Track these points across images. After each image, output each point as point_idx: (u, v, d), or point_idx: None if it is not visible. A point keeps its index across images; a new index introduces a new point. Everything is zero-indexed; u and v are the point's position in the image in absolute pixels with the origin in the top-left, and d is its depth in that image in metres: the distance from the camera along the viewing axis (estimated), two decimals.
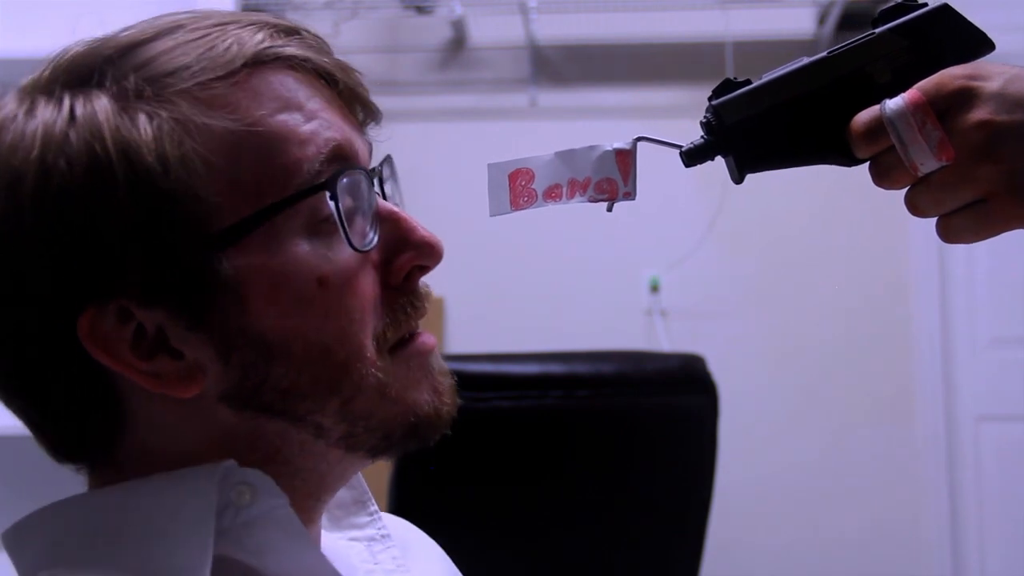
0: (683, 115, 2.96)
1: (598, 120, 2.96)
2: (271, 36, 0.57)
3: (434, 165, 2.78)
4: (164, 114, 0.53)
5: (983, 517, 2.89)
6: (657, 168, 3.28)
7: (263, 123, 0.55)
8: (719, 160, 0.69)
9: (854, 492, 2.84)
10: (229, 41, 0.55)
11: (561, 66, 3.00)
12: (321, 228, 0.56)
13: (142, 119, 0.52)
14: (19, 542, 0.59)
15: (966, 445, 2.90)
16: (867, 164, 0.67)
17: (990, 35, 0.66)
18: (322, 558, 0.57)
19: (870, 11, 2.87)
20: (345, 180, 0.56)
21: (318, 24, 2.91)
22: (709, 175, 3.33)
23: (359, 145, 0.60)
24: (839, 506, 2.84)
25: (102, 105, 0.53)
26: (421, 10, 2.89)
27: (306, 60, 0.58)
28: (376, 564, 0.68)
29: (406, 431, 0.59)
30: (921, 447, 2.86)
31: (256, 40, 0.56)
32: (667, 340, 2.86)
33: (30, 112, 0.54)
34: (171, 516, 0.54)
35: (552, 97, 2.96)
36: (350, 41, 2.91)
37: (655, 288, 2.89)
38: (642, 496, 1.67)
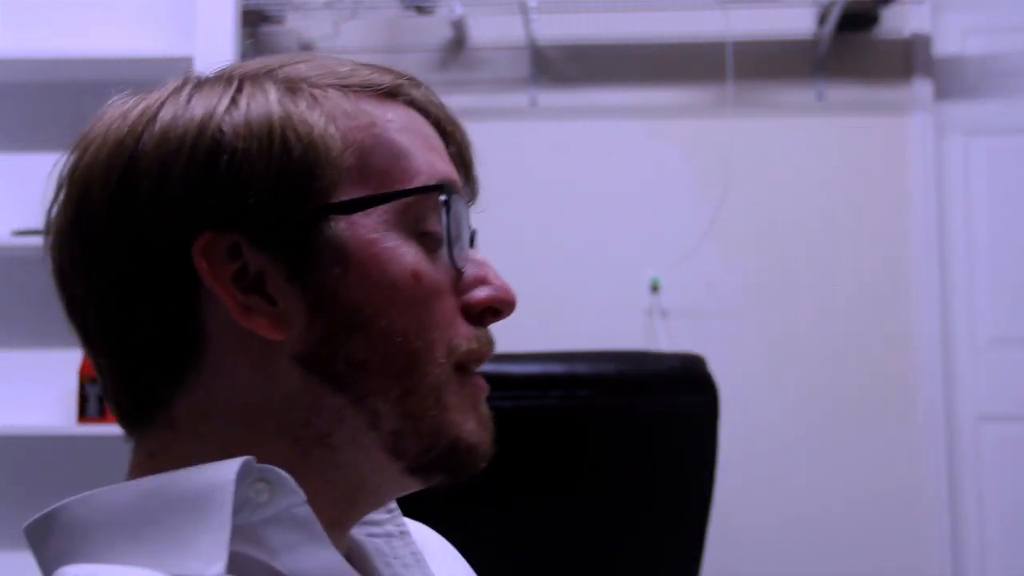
0: (683, 115, 2.98)
1: (598, 120, 2.96)
2: (404, 79, 0.65)
3: None
4: (318, 99, 0.61)
5: (983, 517, 2.89)
6: (657, 168, 3.28)
7: (395, 135, 0.62)
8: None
9: (854, 492, 2.84)
10: (370, 71, 0.64)
11: (561, 66, 3.00)
12: (425, 238, 0.61)
13: (301, 100, 0.60)
14: (41, 536, 0.60)
15: (966, 445, 2.91)
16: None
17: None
18: (338, 557, 0.57)
19: (870, 11, 2.88)
20: (455, 202, 0.62)
21: (318, 24, 2.92)
22: (709, 175, 3.34)
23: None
24: (839, 506, 2.84)
25: (270, 86, 0.61)
26: (421, 10, 2.89)
27: (432, 107, 0.66)
28: (395, 559, 0.69)
29: (447, 449, 0.61)
30: (921, 447, 2.86)
31: (390, 77, 0.64)
32: (667, 340, 2.86)
33: (200, 86, 0.62)
34: (189, 512, 0.55)
35: (552, 97, 2.96)
36: (350, 41, 2.91)
37: (655, 288, 2.89)
38: (642, 496, 1.67)
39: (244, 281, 0.58)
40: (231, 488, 0.55)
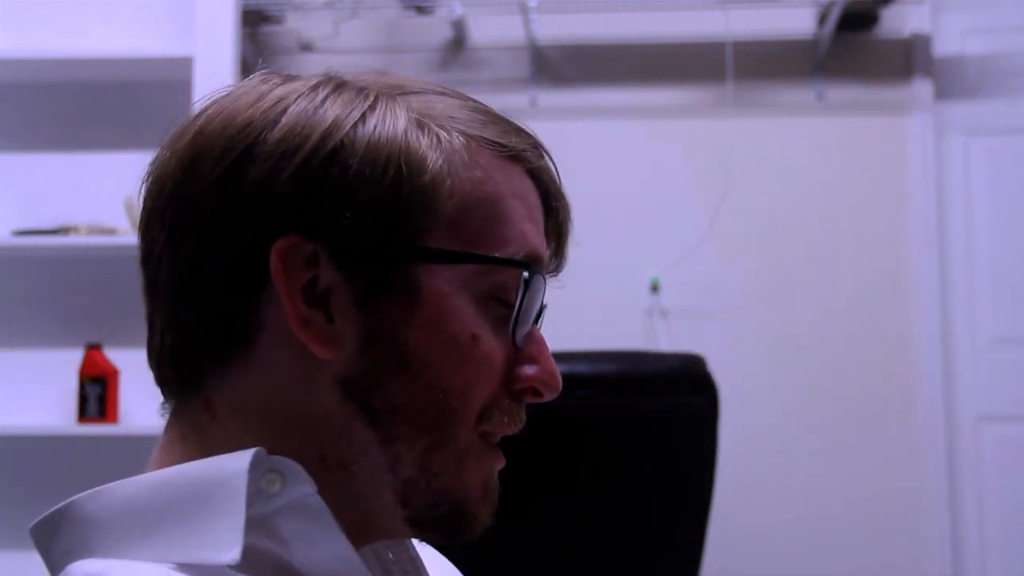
0: (683, 115, 2.98)
1: (598, 120, 2.96)
2: (528, 147, 0.66)
3: None
4: (442, 141, 0.61)
5: (983, 517, 2.89)
6: (657, 168, 3.28)
7: (504, 198, 0.63)
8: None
9: (854, 492, 2.84)
10: (498, 129, 0.65)
11: (561, 66, 3.00)
12: (496, 305, 0.62)
13: (425, 137, 0.61)
14: (48, 535, 0.60)
15: (966, 445, 2.91)
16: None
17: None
18: (349, 547, 0.58)
19: (870, 11, 2.88)
20: (536, 281, 0.63)
21: (318, 24, 2.92)
22: (709, 175, 3.34)
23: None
24: (839, 505, 2.84)
25: (401, 110, 0.62)
26: (421, 10, 2.89)
27: (545, 177, 0.67)
28: (394, 564, 0.69)
29: (450, 509, 0.62)
30: (921, 447, 2.86)
31: (517, 140, 0.65)
32: (667, 340, 2.86)
33: (338, 91, 0.62)
34: (203, 505, 0.56)
35: (552, 97, 2.96)
36: (350, 41, 2.91)
37: (655, 288, 2.89)
38: (642, 496, 1.67)
39: (312, 293, 0.59)
40: (244, 477, 0.56)
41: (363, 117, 0.60)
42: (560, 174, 0.68)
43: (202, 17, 2.56)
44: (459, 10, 2.85)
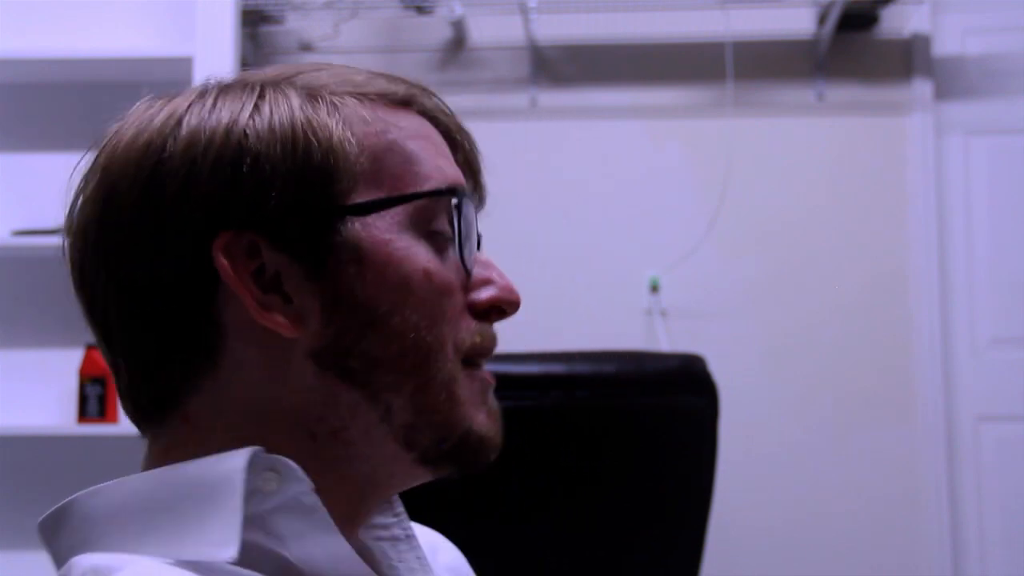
0: (683, 115, 2.98)
1: (598, 120, 2.96)
2: (416, 89, 0.68)
3: None
4: (337, 105, 0.63)
5: (983, 517, 2.89)
6: (657, 168, 3.28)
7: (408, 141, 0.65)
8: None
9: (854, 491, 2.84)
10: (385, 80, 0.67)
11: (561, 66, 3.00)
12: (435, 238, 0.64)
13: (321, 107, 0.63)
14: (54, 531, 0.61)
15: (966, 445, 2.91)
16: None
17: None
18: (344, 544, 0.58)
19: (870, 11, 2.88)
20: (465, 206, 0.65)
21: (318, 24, 2.92)
22: (709, 175, 3.33)
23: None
24: (839, 505, 2.84)
25: (292, 92, 0.64)
26: (421, 10, 2.89)
27: (442, 115, 0.68)
28: (400, 562, 0.69)
29: (458, 442, 0.63)
30: (921, 447, 2.86)
31: (404, 87, 0.67)
32: (667, 340, 2.86)
33: (224, 92, 0.64)
34: (201, 500, 0.57)
35: (552, 97, 2.96)
36: (350, 41, 2.92)
37: (655, 288, 2.89)
38: (642, 496, 1.67)
39: (262, 280, 0.60)
40: (242, 476, 0.57)
41: (256, 107, 0.62)
42: (451, 109, 0.70)
43: (202, 17, 2.56)
44: (459, 10, 2.85)
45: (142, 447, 0.65)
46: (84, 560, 0.57)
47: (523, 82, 2.97)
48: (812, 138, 2.95)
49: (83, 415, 2.57)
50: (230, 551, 0.55)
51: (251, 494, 0.57)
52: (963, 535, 2.88)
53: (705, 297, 2.90)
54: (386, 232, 0.62)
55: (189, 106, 0.63)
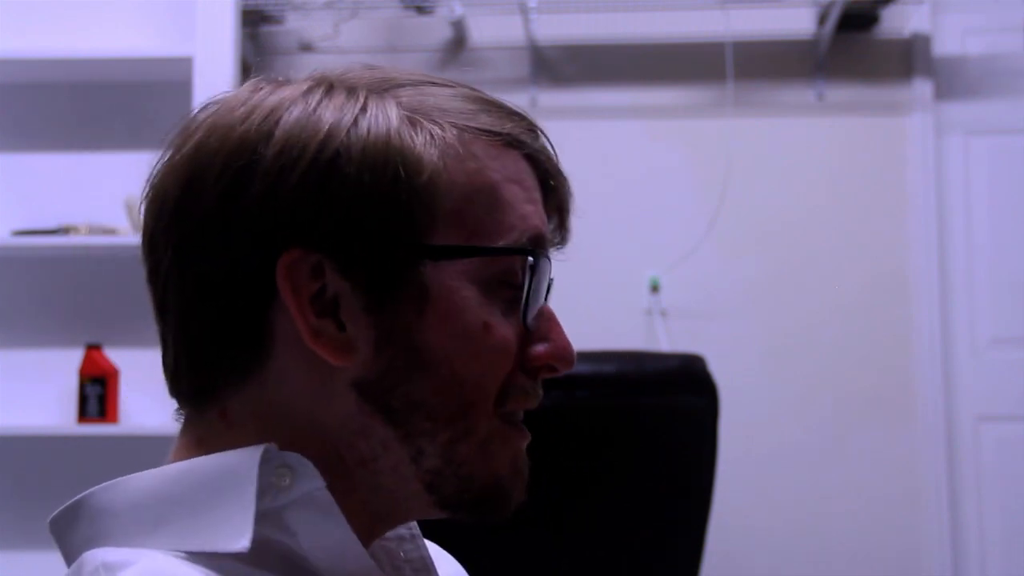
0: (683, 115, 2.98)
1: (598, 120, 2.96)
2: (523, 130, 0.66)
3: None
4: (435, 137, 0.61)
5: (983, 517, 2.89)
6: (657, 168, 3.28)
7: (501, 185, 0.63)
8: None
9: (854, 491, 2.84)
10: (491, 116, 0.65)
11: (561, 66, 3.00)
12: (504, 290, 0.63)
13: (419, 134, 0.61)
14: (66, 527, 0.61)
15: (966, 445, 2.91)
16: None
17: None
18: (355, 541, 0.59)
19: (870, 11, 2.88)
20: (542, 263, 0.64)
21: (318, 24, 2.92)
22: (709, 175, 3.33)
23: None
24: (839, 505, 2.84)
25: (392, 109, 0.62)
26: (421, 10, 2.89)
27: (542, 157, 0.67)
28: (405, 562, 0.70)
29: (482, 493, 0.63)
30: (921, 447, 2.86)
31: (511, 125, 0.65)
32: (667, 340, 2.86)
33: (328, 95, 0.62)
34: (214, 497, 0.57)
35: (552, 97, 2.96)
36: (350, 41, 2.91)
37: (655, 288, 2.89)
38: (642, 496, 1.67)
39: (321, 301, 0.60)
40: (255, 471, 0.57)
41: (355, 121, 0.60)
42: (556, 151, 0.68)
43: (202, 17, 2.56)
44: (459, 10, 2.85)
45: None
46: (96, 555, 0.57)
47: (523, 82, 2.97)
48: (812, 138, 2.95)
49: (83, 415, 2.57)
50: (241, 543, 0.55)
51: (265, 490, 0.57)
52: (963, 535, 2.88)
53: (705, 297, 2.90)
54: (455, 279, 0.61)
55: (291, 104, 0.61)
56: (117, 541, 0.58)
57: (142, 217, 0.63)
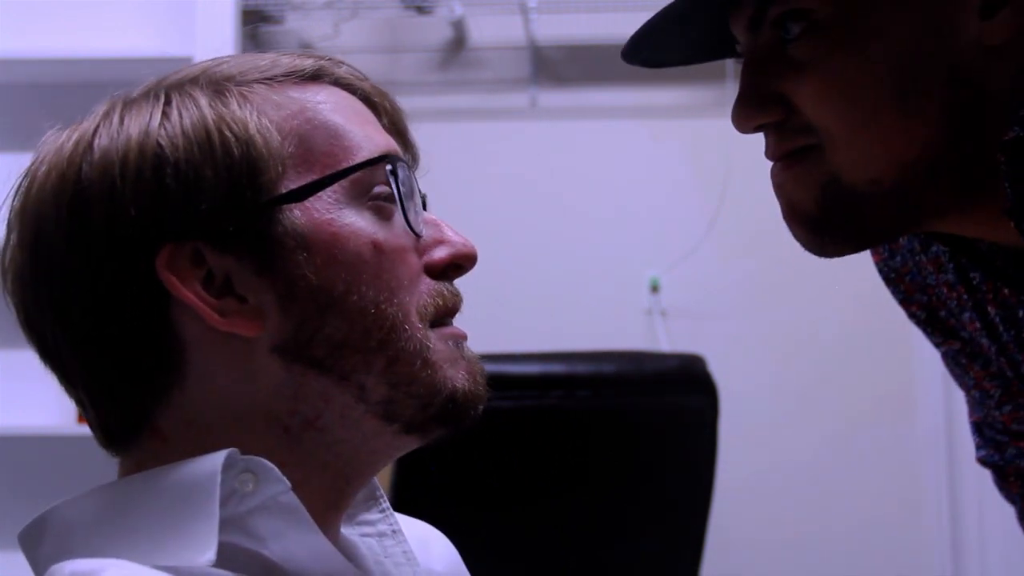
0: (683, 115, 2.97)
1: (598, 120, 2.96)
2: (324, 61, 0.66)
3: (434, 165, 2.78)
4: (246, 95, 0.62)
5: (983, 517, 2.89)
6: (657, 168, 3.28)
7: (328, 115, 0.63)
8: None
9: (854, 491, 2.84)
10: (290, 59, 0.66)
11: (561, 66, 3.00)
12: (379, 206, 0.63)
13: (230, 100, 0.62)
14: (34, 540, 0.61)
15: (966, 445, 2.89)
16: None
17: None
18: (325, 542, 0.59)
19: None
20: (401, 169, 0.64)
21: (318, 24, 2.92)
22: (709, 175, 3.32)
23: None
24: (839, 505, 2.84)
25: (198, 92, 0.62)
26: (421, 10, 2.89)
27: (357, 82, 0.67)
28: (386, 557, 0.69)
29: (443, 403, 0.62)
30: (921, 447, 2.86)
31: (311, 61, 0.66)
32: (667, 340, 2.86)
33: (129, 106, 0.63)
34: (178, 505, 0.57)
35: (552, 97, 2.96)
36: (350, 41, 2.91)
37: (655, 288, 2.89)
38: (642, 496, 1.67)
39: (213, 286, 0.60)
40: (217, 479, 0.56)
41: (165, 114, 0.61)
42: (363, 73, 0.69)
43: (202, 17, 2.56)
44: (459, 10, 2.85)
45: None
46: (64, 567, 0.56)
47: (523, 82, 2.97)
48: None
49: (83, 415, 2.57)
50: (207, 556, 0.55)
51: (228, 496, 0.57)
52: (963, 535, 2.88)
53: (705, 297, 2.90)
54: (327, 212, 0.61)
55: (96, 128, 0.62)
56: (84, 554, 0.57)
57: (11, 306, 0.64)
